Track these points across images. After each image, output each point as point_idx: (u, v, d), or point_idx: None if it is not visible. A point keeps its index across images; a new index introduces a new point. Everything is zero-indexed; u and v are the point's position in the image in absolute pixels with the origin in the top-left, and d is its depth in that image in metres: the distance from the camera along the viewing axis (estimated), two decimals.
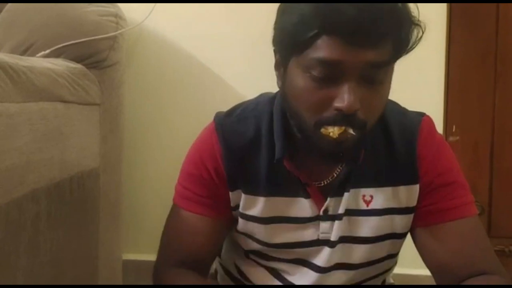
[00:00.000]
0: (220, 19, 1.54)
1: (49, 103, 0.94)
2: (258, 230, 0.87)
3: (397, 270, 1.01)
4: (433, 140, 0.86)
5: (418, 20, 0.73)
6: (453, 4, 1.51)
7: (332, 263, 0.87)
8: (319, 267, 0.87)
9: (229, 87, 1.55)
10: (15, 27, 1.20)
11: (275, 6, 0.77)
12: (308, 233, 0.86)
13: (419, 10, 0.74)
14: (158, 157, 1.60)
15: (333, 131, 0.72)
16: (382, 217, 0.85)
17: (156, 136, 1.60)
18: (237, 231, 0.91)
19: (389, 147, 0.85)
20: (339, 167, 0.85)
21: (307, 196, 0.84)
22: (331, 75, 0.71)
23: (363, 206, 0.85)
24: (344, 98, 0.70)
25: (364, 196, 0.85)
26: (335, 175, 0.85)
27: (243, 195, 0.86)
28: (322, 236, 0.86)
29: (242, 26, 1.53)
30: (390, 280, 1.04)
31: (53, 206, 0.94)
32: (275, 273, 0.93)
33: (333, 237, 0.85)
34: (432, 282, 0.88)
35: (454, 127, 1.55)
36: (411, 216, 0.87)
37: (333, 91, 0.71)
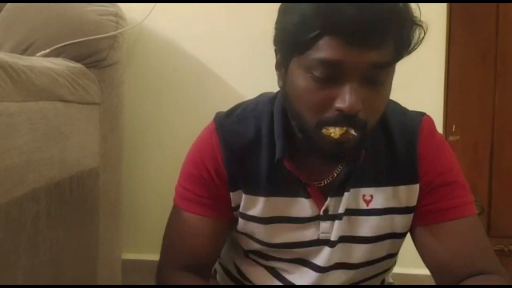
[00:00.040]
0: (220, 18, 1.54)
1: (49, 102, 0.94)
2: (258, 230, 0.87)
3: (396, 269, 1.01)
4: (433, 139, 0.86)
5: (420, 21, 0.73)
6: (453, 4, 1.51)
7: (331, 263, 0.87)
8: (318, 266, 0.87)
9: (229, 87, 1.55)
10: (15, 26, 1.19)
11: (275, 6, 0.77)
12: (308, 233, 0.86)
13: (420, 10, 0.74)
14: (158, 157, 1.60)
15: (335, 132, 0.72)
16: (382, 216, 0.85)
17: (156, 135, 1.60)
18: (237, 231, 0.91)
19: (389, 146, 0.85)
20: (339, 166, 0.85)
21: (307, 196, 0.84)
22: (332, 75, 0.70)
23: (363, 206, 0.85)
24: (345, 99, 0.70)
25: (364, 195, 0.85)
26: (335, 175, 0.85)
27: (243, 196, 0.86)
28: (322, 236, 0.86)
29: (242, 26, 1.53)
30: (390, 280, 1.04)
31: (53, 205, 0.94)
32: (275, 273, 0.93)
33: (333, 237, 0.85)
34: (432, 281, 0.88)
35: (454, 126, 1.55)
36: (411, 215, 0.87)
37: (334, 91, 0.71)
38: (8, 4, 1.23)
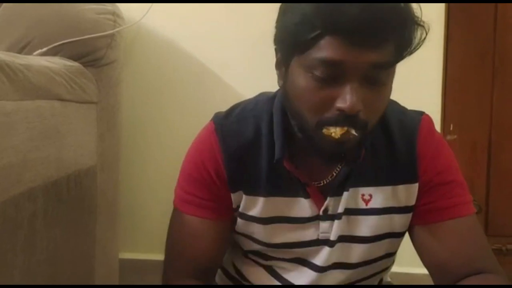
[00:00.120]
0: (218, 17, 1.54)
1: (46, 101, 0.94)
2: (258, 231, 0.87)
3: (394, 268, 1.01)
4: (432, 138, 0.86)
5: (422, 21, 0.73)
6: (451, 3, 1.51)
7: (330, 263, 0.87)
8: (317, 266, 0.87)
9: (227, 86, 1.55)
10: (12, 25, 1.19)
11: (275, 5, 0.76)
12: (308, 233, 0.86)
13: (421, 10, 0.73)
14: (156, 156, 1.59)
15: (335, 132, 0.72)
16: (381, 216, 0.85)
17: (154, 134, 1.59)
18: (236, 232, 0.90)
19: (389, 146, 0.85)
20: (338, 166, 0.84)
21: (306, 196, 0.84)
22: (333, 75, 0.70)
23: (362, 205, 0.85)
24: (346, 99, 0.69)
25: (363, 195, 0.85)
26: (335, 174, 0.84)
27: (244, 196, 0.86)
28: (322, 236, 0.86)
29: (240, 24, 1.52)
30: (388, 279, 1.04)
31: (50, 204, 0.94)
32: (273, 272, 0.92)
33: (332, 237, 0.85)
34: (430, 281, 0.88)
35: (451, 126, 1.55)
36: (410, 215, 0.86)
37: (335, 91, 0.71)
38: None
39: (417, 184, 0.85)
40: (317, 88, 0.71)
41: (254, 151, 0.85)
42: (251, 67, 1.51)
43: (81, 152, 1.09)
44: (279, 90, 0.84)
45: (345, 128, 0.71)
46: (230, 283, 0.99)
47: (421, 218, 0.86)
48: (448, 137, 1.54)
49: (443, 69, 1.51)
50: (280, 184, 0.84)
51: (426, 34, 0.73)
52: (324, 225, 0.85)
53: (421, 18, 0.73)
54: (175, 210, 0.90)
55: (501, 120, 1.56)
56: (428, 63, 1.48)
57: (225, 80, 1.55)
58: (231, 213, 0.88)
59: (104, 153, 1.21)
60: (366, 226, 0.85)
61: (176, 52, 1.56)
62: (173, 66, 1.56)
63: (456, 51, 1.53)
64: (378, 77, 0.71)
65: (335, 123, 0.71)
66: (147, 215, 1.60)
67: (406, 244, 0.91)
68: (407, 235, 0.90)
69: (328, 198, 0.84)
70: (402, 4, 0.70)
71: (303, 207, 0.85)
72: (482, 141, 1.56)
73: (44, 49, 1.13)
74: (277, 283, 0.92)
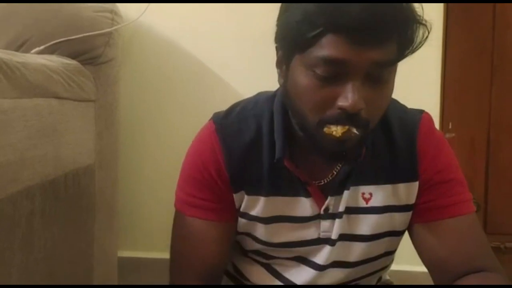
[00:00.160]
0: (216, 15, 1.53)
1: (44, 99, 0.93)
2: (260, 230, 0.87)
3: (394, 267, 1.01)
4: (433, 137, 0.86)
5: (424, 20, 0.72)
6: (450, 3, 1.51)
7: (330, 261, 0.87)
8: (317, 264, 0.87)
9: (225, 84, 1.55)
10: (9, 23, 1.19)
11: (274, 5, 0.76)
12: (309, 232, 0.86)
13: (423, 9, 0.73)
14: (154, 154, 1.59)
15: (336, 130, 0.71)
16: (382, 214, 0.85)
17: (152, 132, 1.59)
18: (238, 232, 0.90)
19: (389, 144, 0.84)
20: (338, 165, 0.84)
21: (307, 195, 0.84)
22: (335, 73, 0.70)
23: (362, 204, 0.85)
24: (348, 97, 0.69)
25: (363, 193, 0.85)
26: (335, 173, 0.84)
27: (245, 196, 0.85)
28: (323, 235, 0.85)
29: (239, 23, 1.52)
30: (387, 277, 1.03)
31: (47, 203, 0.94)
32: (272, 270, 0.92)
33: (333, 236, 0.85)
34: (429, 279, 0.88)
35: (450, 124, 1.55)
36: (410, 213, 0.86)
37: (337, 89, 0.70)
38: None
39: (417, 183, 0.85)
40: (318, 87, 0.71)
41: (255, 150, 0.84)
42: (251, 66, 1.51)
43: (79, 150, 1.08)
44: (278, 89, 0.84)
45: (347, 127, 0.71)
46: (229, 282, 0.99)
47: (421, 216, 0.86)
48: (447, 135, 1.54)
49: (442, 67, 1.51)
50: (280, 184, 0.84)
51: (428, 33, 0.72)
52: (325, 224, 0.85)
53: (422, 17, 0.72)
54: (177, 212, 0.89)
55: (499, 119, 1.56)
56: (427, 61, 1.48)
57: (224, 79, 1.55)
58: (234, 214, 0.87)
59: (102, 151, 1.21)
60: (366, 224, 0.85)
61: (175, 51, 1.55)
62: (172, 64, 1.56)
63: (454, 50, 1.53)
64: (380, 76, 0.71)
65: (336, 121, 0.71)
66: (145, 213, 1.59)
67: (405, 242, 0.91)
68: (406, 233, 0.90)
69: (329, 197, 0.84)
70: (404, 3, 0.70)
71: (304, 206, 0.84)
72: (481, 139, 1.57)
73: (42, 47, 1.12)
74: (276, 281, 0.92)
